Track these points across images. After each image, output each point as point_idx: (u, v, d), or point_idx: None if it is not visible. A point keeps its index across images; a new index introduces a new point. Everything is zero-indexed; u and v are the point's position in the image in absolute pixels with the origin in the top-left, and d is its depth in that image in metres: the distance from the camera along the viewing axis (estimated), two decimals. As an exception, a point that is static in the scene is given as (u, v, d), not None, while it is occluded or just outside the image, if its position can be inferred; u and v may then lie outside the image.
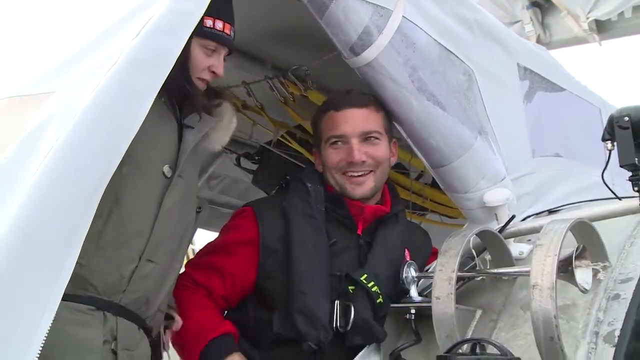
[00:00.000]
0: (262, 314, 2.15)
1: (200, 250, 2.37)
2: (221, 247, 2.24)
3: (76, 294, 1.66)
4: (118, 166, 1.64)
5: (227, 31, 2.00)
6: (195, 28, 1.66)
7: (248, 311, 2.20)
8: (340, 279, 2.12)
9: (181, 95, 1.98)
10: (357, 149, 2.22)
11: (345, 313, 2.07)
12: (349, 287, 2.11)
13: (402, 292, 2.13)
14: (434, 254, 2.44)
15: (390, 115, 2.26)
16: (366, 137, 2.24)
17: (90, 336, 1.70)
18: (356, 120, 2.24)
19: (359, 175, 2.24)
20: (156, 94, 1.43)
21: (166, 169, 1.87)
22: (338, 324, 2.06)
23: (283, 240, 2.15)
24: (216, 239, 2.32)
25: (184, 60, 1.85)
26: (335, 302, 2.08)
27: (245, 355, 2.10)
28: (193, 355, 2.07)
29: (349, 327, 2.05)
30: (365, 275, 2.10)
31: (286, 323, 2.06)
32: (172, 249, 1.92)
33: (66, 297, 1.38)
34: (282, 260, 2.13)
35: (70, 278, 1.44)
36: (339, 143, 2.25)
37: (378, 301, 2.09)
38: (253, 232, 2.19)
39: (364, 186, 2.24)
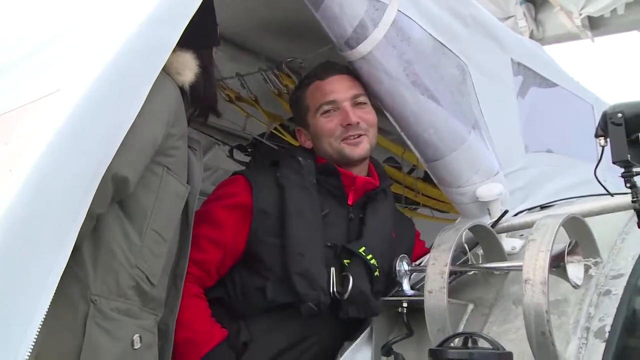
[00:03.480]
0: (252, 283, 2.11)
1: None
2: (213, 216, 2.17)
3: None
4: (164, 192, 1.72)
5: None
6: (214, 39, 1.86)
7: (234, 283, 2.14)
8: (334, 249, 2.11)
9: (212, 107, 2.06)
10: (351, 111, 2.21)
11: (342, 282, 2.06)
12: (345, 260, 2.10)
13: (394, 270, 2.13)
14: (416, 237, 2.48)
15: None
16: (356, 102, 2.24)
17: None
18: (343, 85, 2.24)
19: (356, 137, 2.22)
20: (152, 84, 1.43)
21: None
22: (335, 289, 2.04)
23: (277, 207, 2.12)
24: (205, 206, 2.23)
25: (211, 70, 1.96)
26: (331, 268, 2.07)
27: (235, 331, 2.08)
28: None
29: (346, 296, 2.04)
30: (364, 247, 2.11)
31: (282, 288, 2.04)
32: None
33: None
34: (276, 225, 2.10)
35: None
36: (331, 110, 2.23)
37: (375, 274, 2.09)
38: (245, 197, 2.15)
39: (361, 146, 2.22)
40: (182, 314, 1.97)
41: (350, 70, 2.22)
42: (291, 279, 2.02)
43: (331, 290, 2.04)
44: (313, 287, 2.01)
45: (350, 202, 2.23)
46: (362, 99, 2.25)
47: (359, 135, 2.22)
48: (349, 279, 2.06)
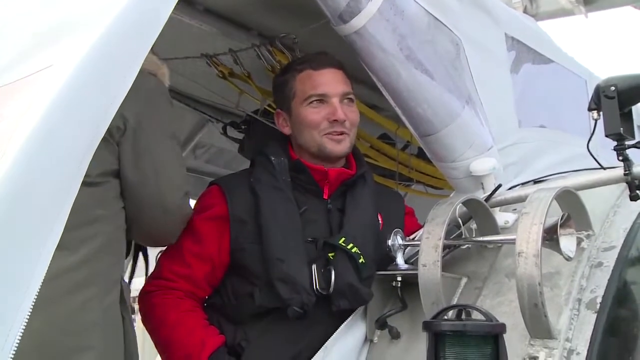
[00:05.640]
0: (241, 289, 2.15)
1: None
2: (195, 230, 2.18)
3: None
4: None
5: None
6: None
7: (227, 289, 2.19)
8: (316, 245, 2.13)
9: None
10: (340, 107, 2.23)
11: (326, 277, 2.08)
12: (329, 254, 2.12)
13: (382, 255, 2.15)
14: (408, 214, 2.48)
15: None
16: (344, 99, 2.26)
17: None
18: (336, 80, 2.26)
19: (339, 134, 2.23)
20: (144, 58, 1.41)
21: None
22: (318, 286, 2.07)
23: (253, 213, 2.14)
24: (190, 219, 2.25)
25: None
26: (313, 266, 2.09)
27: (231, 335, 2.12)
28: None
29: (331, 290, 2.06)
30: (344, 238, 2.12)
31: (268, 293, 2.07)
32: None
33: None
34: (254, 231, 2.12)
35: None
36: (319, 102, 2.24)
37: (360, 261, 2.09)
38: (221, 208, 2.18)
39: (343, 144, 2.24)
40: (174, 331, 2.04)
41: (344, 66, 2.26)
42: (274, 285, 2.04)
43: (315, 288, 2.06)
44: (296, 291, 2.03)
45: (325, 196, 2.24)
46: (351, 96, 2.28)
47: (342, 133, 2.24)
48: (331, 273, 2.08)
